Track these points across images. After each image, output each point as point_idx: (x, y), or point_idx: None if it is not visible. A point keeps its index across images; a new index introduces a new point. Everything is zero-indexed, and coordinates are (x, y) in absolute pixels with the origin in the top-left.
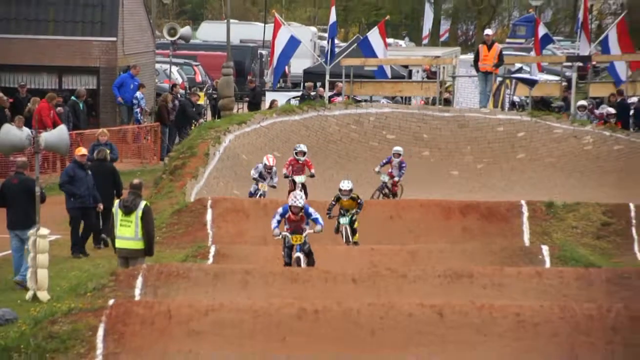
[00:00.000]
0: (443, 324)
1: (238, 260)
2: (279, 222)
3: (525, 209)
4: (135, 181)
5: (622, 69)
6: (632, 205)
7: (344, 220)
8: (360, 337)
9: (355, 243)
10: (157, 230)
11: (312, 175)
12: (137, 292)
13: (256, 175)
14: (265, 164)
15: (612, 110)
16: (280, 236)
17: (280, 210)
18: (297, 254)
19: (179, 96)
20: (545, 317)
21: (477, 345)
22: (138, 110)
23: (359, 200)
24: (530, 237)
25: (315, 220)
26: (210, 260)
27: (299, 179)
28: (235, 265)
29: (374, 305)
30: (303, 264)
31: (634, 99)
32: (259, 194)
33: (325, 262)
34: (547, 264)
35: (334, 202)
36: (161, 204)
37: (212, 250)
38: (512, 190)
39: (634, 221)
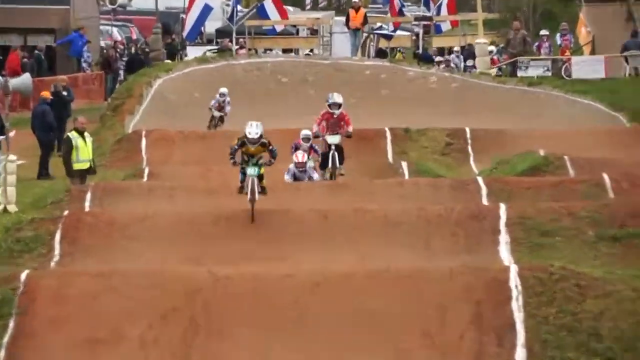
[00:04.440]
0: (327, 225)
1: (166, 179)
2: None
3: (388, 134)
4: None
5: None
6: (467, 129)
7: (252, 171)
8: (264, 237)
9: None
10: (103, 156)
11: (349, 135)
12: (87, 204)
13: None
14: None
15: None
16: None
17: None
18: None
19: (120, 50)
20: (406, 217)
21: (353, 241)
22: (85, 63)
23: (270, 147)
24: (393, 156)
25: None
26: (145, 179)
27: (332, 139)
28: (164, 182)
29: (274, 211)
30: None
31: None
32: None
33: (233, 179)
34: (406, 176)
35: (236, 147)
36: (105, 134)
37: (146, 170)
38: (378, 119)
39: (469, 141)
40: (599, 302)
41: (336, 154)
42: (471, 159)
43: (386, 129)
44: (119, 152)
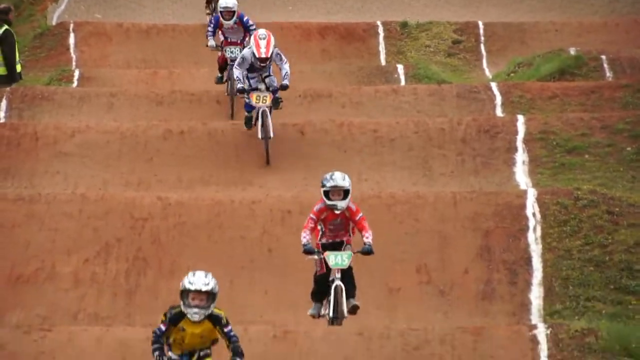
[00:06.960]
0: (305, 142)
1: (103, 84)
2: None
3: (381, 29)
4: (2, 6)
5: None
6: (480, 23)
7: None
8: (225, 156)
9: None
10: (19, 55)
11: (367, 252)
12: (1, 114)
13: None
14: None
15: None
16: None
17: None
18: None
19: None
20: (401, 132)
21: (337, 161)
22: None
23: (225, 330)
24: (386, 57)
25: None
26: (75, 84)
27: (338, 259)
28: (100, 88)
29: (238, 124)
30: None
31: None
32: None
33: (187, 85)
34: (402, 82)
35: (164, 328)
36: (22, 27)
37: (77, 73)
38: (369, 10)
39: (482, 38)
40: (634, 232)
41: (341, 285)
42: (484, 60)
43: (378, 22)
44: (40, 50)
